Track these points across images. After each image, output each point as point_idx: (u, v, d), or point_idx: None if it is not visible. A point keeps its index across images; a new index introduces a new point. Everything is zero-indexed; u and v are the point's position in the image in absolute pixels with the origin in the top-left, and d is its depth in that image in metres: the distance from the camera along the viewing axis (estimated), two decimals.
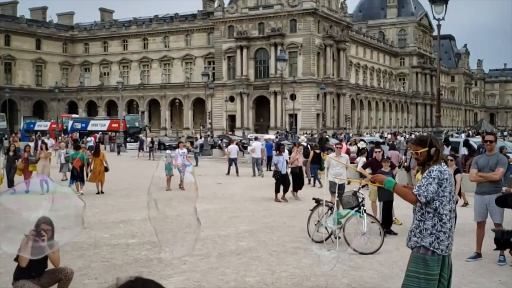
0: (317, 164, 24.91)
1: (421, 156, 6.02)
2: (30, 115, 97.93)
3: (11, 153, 22.68)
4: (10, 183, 21.49)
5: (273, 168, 28.36)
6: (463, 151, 28.07)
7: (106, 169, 22.49)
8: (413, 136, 66.72)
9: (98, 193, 21.98)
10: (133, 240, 12.79)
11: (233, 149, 32.63)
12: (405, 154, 26.09)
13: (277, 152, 21.77)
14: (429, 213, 5.85)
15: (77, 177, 22.12)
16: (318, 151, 25.59)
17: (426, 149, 5.98)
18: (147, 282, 1.99)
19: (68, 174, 26.63)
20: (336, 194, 12.23)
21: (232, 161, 31.81)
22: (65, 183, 24.28)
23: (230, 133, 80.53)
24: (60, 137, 57.85)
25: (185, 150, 24.90)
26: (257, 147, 31.91)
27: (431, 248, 5.78)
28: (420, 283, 5.74)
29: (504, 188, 11.93)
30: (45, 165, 22.32)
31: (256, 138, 39.06)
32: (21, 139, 57.25)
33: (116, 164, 33.50)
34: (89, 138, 53.85)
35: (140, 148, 50.29)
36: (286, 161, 21.24)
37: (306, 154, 26.30)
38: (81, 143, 35.70)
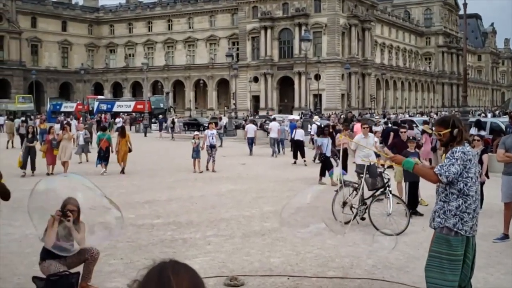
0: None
1: (444, 137, 5.93)
2: (56, 97, 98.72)
3: (29, 136, 22.10)
4: (31, 166, 21.31)
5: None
6: (473, 131, 27.50)
7: (130, 150, 22.65)
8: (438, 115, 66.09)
9: (122, 172, 22.16)
10: (158, 220, 12.85)
11: (250, 128, 33.03)
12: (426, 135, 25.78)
13: (322, 134, 21.32)
14: (453, 194, 5.78)
15: (103, 157, 22.31)
16: (330, 130, 25.54)
17: (449, 130, 5.88)
18: (178, 264, 2.00)
19: (84, 156, 26.68)
20: (363, 176, 12.15)
21: (250, 140, 32.11)
22: (81, 166, 24.26)
23: (271, 114, 76.44)
24: (86, 118, 58.18)
25: (214, 131, 24.38)
26: (273, 127, 31.90)
27: (455, 229, 5.72)
28: (442, 263, 5.69)
29: None
30: (66, 146, 21.72)
31: (274, 119, 39.10)
32: (47, 120, 57.70)
33: (140, 144, 33.73)
34: (117, 120, 53.95)
35: (160, 128, 50.70)
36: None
37: (319, 134, 26.53)
38: (107, 125, 35.51)
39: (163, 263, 1.99)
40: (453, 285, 5.72)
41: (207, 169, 22.89)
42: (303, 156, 26.35)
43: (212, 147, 22.94)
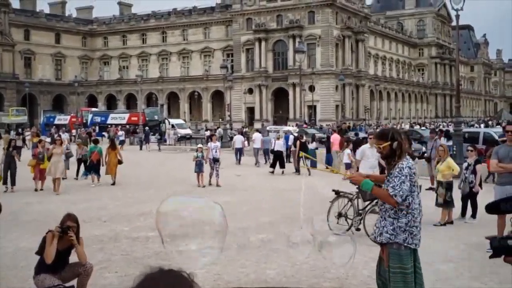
0: (304, 152, 25.70)
1: (383, 149, 5.94)
2: (50, 109, 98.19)
3: (10, 149, 21.01)
4: (9, 181, 20.44)
5: (291, 160, 28.90)
6: (444, 141, 27.19)
7: (120, 162, 22.71)
8: (432, 126, 66.20)
9: (113, 184, 22.23)
10: (153, 233, 12.76)
11: (238, 139, 34.08)
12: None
13: (358, 147, 20.90)
14: (402, 211, 5.79)
15: (92, 169, 22.43)
16: (303, 140, 27.97)
17: (389, 143, 5.88)
18: (169, 271, 1.99)
19: (68, 171, 25.57)
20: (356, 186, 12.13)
21: (238, 151, 33.16)
22: (68, 181, 23.54)
23: (306, 126, 70.94)
24: (79, 130, 57.86)
25: (218, 143, 23.52)
26: (257, 138, 33.46)
27: (405, 244, 5.75)
28: (396, 277, 5.72)
29: None
30: (59, 161, 20.38)
31: (257, 130, 42.11)
32: (42, 133, 57.43)
33: (136, 157, 33.63)
34: (120, 133, 53.55)
35: (146, 140, 50.84)
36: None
37: (294, 144, 28.63)
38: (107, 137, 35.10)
39: (150, 273, 1.96)
40: None
41: (210, 184, 22.25)
42: (282, 166, 27.66)
43: (215, 160, 22.19)
